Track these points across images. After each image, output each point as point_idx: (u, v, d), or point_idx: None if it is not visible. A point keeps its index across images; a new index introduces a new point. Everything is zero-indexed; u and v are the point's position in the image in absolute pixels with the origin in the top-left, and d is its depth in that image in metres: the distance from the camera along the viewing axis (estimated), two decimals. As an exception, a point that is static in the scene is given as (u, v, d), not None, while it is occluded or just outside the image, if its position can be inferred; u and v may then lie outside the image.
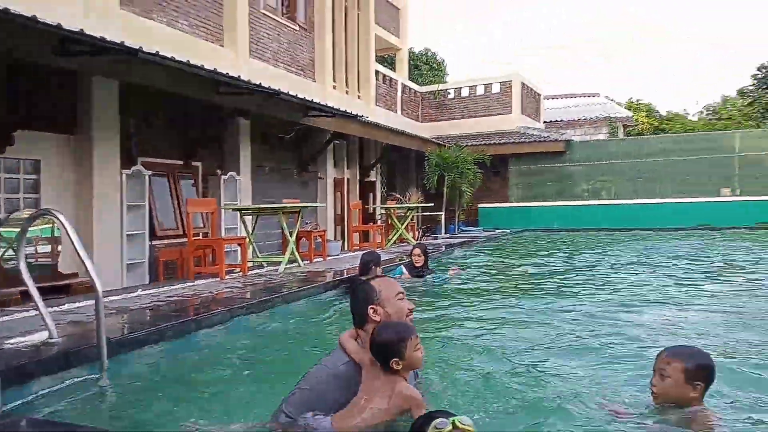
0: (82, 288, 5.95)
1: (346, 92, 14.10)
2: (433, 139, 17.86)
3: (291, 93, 8.83)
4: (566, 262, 10.01)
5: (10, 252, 5.22)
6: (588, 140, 20.72)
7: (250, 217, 8.82)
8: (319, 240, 9.86)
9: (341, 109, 10.57)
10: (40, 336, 3.67)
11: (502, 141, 18.71)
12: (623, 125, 23.19)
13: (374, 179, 15.51)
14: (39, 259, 6.13)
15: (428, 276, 7.32)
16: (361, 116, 11.85)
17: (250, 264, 8.07)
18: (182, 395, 3.26)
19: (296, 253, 8.34)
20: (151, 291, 6.17)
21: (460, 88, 20.66)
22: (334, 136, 12.33)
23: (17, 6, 4.82)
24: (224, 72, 7.31)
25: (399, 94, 18.21)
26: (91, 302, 3.52)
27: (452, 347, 4.03)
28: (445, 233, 16.07)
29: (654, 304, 5.66)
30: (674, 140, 19.19)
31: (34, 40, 5.50)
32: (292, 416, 2.30)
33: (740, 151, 17.77)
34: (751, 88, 24.84)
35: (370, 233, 12.72)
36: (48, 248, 6.25)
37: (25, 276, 3.67)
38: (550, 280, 7.81)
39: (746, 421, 2.51)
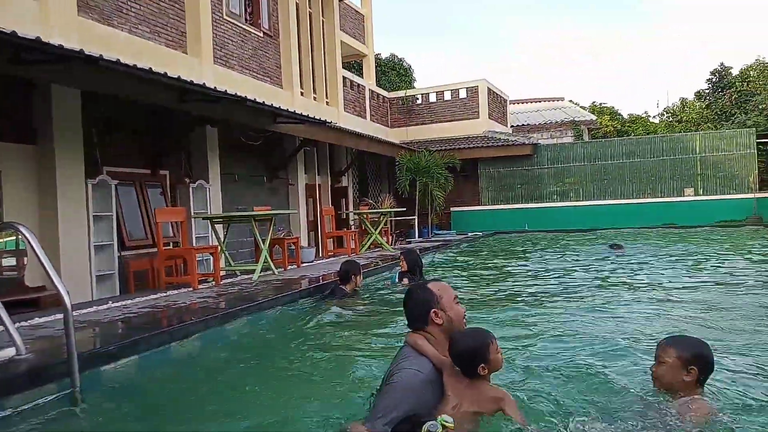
0: (51, 301, 5.72)
1: (314, 99, 14.02)
2: (403, 145, 17.92)
3: (258, 100, 8.72)
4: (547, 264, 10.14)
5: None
6: (554, 143, 21.06)
7: (222, 225, 8.66)
8: (293, 247, 9.75)
9: (310, 115, 10.49)
10: (7, 352, 3.50)
11: (471, 145, 18.89)
12: (588, 128, 23.67)
13: (346, 185, 15.44)
14: (4, 273, 5.88)
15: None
16: (329, 122, 11.79)
17: (223, 273, 7.91)
18: (156, 410, 3.15)
19: (270, 261, 8.22)
20: (122, 303, 5.98)
21: (428, 93, 20.79)
22: (304, 143, 12.24)
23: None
24: (188, 79, 7.16)
25: (367, 100, 18.22)
26: (61, 316, 3.38)
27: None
28: (419, 237, 16.09)
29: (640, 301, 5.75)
30: (637, 142, 19.67)
31: (-13, 48, 5.29)
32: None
33: (700, 152, 18.32)
34: (707, 91, 25.67)
35: (344, 239, 12.64)
36: (13, 261, 6.00)
37: (-11, 290, 3.50)
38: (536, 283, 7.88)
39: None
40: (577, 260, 10.24)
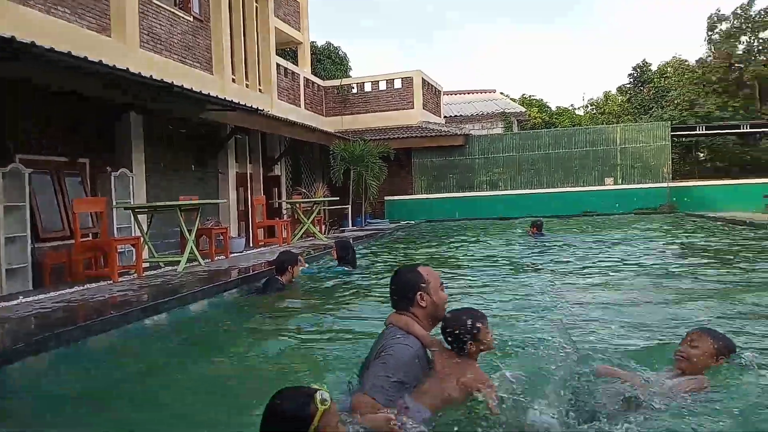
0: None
1: (247, 86, 13.76)
2: (338, 134, 17.89)
3: (186, 86, 8.48)
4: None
5: None
6: (486, 134, 21.62)
7: (145, 216, 8.40)
8: (221, 237, 9.59)
9: (241, 102, 10.30)
10: None
11: (406, 135, 19.11)
12: (517, 120, 24.43)
13: (279, 174, 15.29)
14: None
15: (357, 271, 7.47)
16: (262, 110, 11.62)
17: (146, 265, 7.70)
18: (69, 412, 3.07)
19: (196, 252, 8.06)
20: (36, 297, 5.73)
21: (363, 83, 20.83)
22: (235, 131, 12.01)
23: None
24: (112, 65, 6.88)
25: (302, 88, 18.05)
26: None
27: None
28: (353, 226, 16.18)
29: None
30: (563, 133, 20.50)
31: None
32: (388, 395, 2.31)
33: (621, 143, 19.31)
34: (628, 86, 27.00)
35: (275, 228, 12.54)
36: None
37: None
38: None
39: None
40: (495, 245, 10.62)
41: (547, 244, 10.62)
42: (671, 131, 19.33)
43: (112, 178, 8.67)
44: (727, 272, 6.70)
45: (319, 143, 16.57)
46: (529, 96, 28.27)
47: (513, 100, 27.13)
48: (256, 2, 14.48)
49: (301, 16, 18.97)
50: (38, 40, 5.82)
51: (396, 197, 19.49)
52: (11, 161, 7.08)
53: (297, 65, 18.64)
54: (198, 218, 8.39)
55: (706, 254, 8.49)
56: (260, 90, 14.40)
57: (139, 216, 8.21)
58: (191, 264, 7.91)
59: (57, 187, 8.00)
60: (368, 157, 16.61)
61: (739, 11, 20.67)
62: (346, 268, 7.32)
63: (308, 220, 12.36)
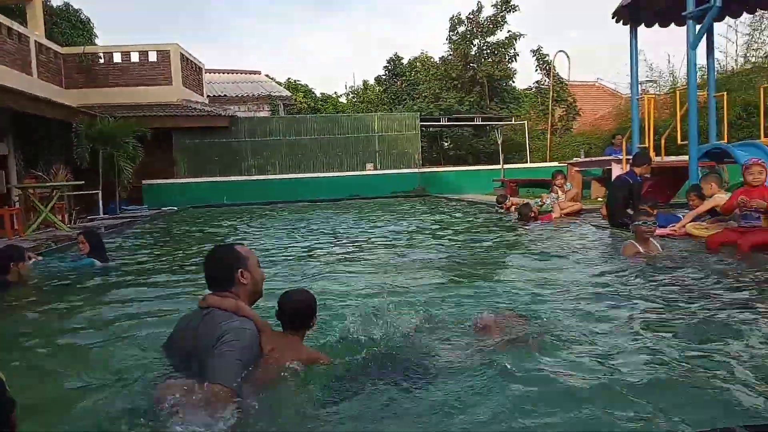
0: None
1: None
2: (83, 109, 15.73)
3: None
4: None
5: None
6: (252, 117, 21.25)
7: None
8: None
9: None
10: None
11: (165, 113, 17.72)
12: (283, 104, 24.51)
13: (5, 153, 12.86)
14: None
15: (111, 263, 6.63)
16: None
17: None
18: None
19: None
20: None
21: (112, 53, 18.69)
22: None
23: None
24: None
25: (33, 53, 15.41)
26: None
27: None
28: (105, 214, 14.44)
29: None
30: (327, 119, 21.23)
31: None
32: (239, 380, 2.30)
33: (378, 131, 20.74)
34: (384, 77, 29.06)
35: (3, 219, 10.53)
36: None
37: None
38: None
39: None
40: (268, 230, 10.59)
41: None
42: (420, 121, 21.43)
43: None
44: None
45: (59, 119, 14.35)
46: (295, 81, 28.57)
47: (278, 83, 27.09)
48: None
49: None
50: None
51: (156, 181, 18.00)
52: None
53: (26, 26, 15.84)
54: None
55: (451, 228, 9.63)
56: (-26, 51, 11.89)
57: None
58: None
59: None
60: (120, 137, 14.95)
61: (471, 16, 23.70)
62: (96, 261, 6.49)
63: (47, 207, 10.68)
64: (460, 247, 7.52)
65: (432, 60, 27.02)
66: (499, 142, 19.55)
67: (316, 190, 19.01)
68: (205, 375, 2.31)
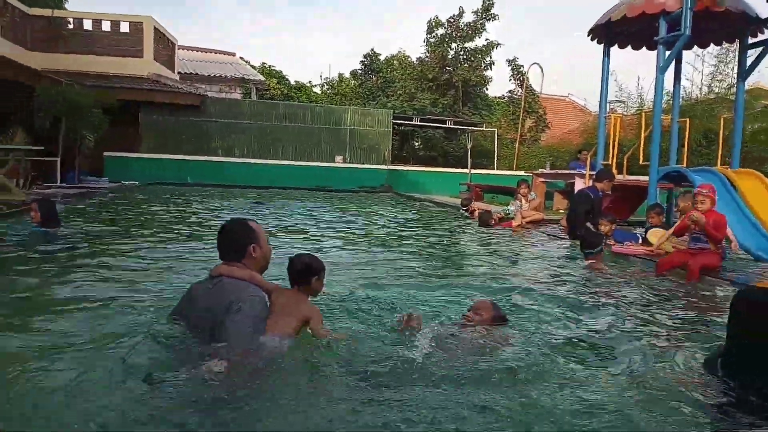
0: None
1: None
2: (47, 73, 15.18)
3: None
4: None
5: None
6: (224, 98, 20.91)
7: None
8: None
9: None
10: None
11: (133, 86, 17.26)
12: (256, 88, 24.19)
13: (-41, 112, 12.32)
14: None
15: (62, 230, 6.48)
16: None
17: None
18: None
19: None
20: None
21: (82, 19, 18.08)
22: None
23: None
24: None
25: (-2, 10, 14.80)
26: None
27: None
28: (62, 182, 13.98)
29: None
30: (300, 108, 21.06)
31: None
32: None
33: (350, 125, 20.70)
34: (360, 71, 29.00)
35: (-49, 179, 10.10)
36: None
37: None
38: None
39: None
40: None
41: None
42: (393, 119, 21.48)
43: None
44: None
45: (21, 81, 13.79)
46: (269, 66, 28.20)
47: (253, 67, 26.71)
48: None
49: None
50: None
51: (118, 154, 17.53)
52: None
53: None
54: None
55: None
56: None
57: None
58: None
59: None
60: (85, 106, 14.48)
61: (451, 20, 23.88)
62: (49, 230, 6.30)
63: (0, 171, 10.30)
64: (420, 244, 7.60)
65: (409, 59, 27.11)
66: (469, 146, 19.75)
67: (283, 178, 18.84)
68: (220, 337, 2.55)
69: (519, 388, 2.50)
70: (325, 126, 20.47)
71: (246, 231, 2.92)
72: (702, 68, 18.55)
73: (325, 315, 3.12)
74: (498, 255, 6.93)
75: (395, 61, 27.87)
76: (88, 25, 18.04)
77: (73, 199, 11.10)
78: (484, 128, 23.47)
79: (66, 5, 21.72)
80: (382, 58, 28.66)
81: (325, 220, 10.25)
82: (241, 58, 27.09)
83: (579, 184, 11.05)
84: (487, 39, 23.95)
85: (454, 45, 24.28)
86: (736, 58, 11.27)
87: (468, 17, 23.79)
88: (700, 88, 18.77)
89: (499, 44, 23.97)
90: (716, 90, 17.76)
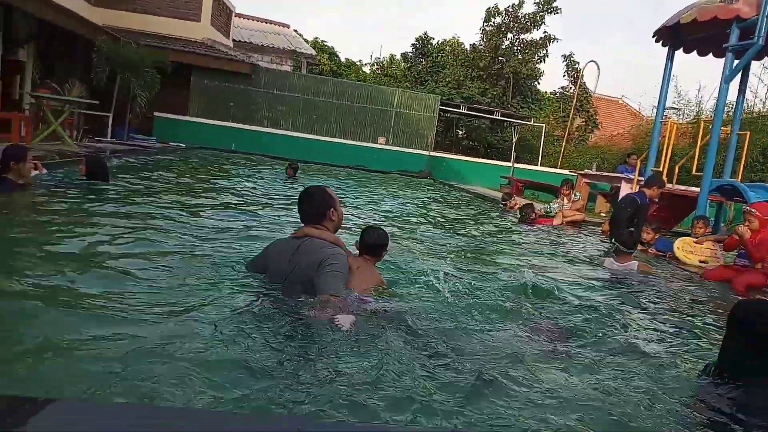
0: None
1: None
2: (107, 29, 15.53)
3: None
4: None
5: None
6: (274, 69, 21.04)
7: None
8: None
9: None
10: None
11: (188, 49, 17.52)
12: (307, 62, 24.27)
13: (24, 59, 12.74)
14: None
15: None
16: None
17: None
18: None
19: None
20: None
21: (146, -23, 18.38)
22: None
23: None
24: None
25: (67, -37, 15.13)
26: None
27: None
28: (112, 138, 14.38)
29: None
30: (348, 86, 21.03)
31: None
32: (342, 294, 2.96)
33: (396, 107, 20.59)
34: (410, 54, 28.76)
35: (11, 123, 10.48)
36: None
37: None
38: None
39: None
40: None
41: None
42: (440, 105, 21.27)
43: None
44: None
45: (82, 34, 14.17)
46: (322, 41, 28.23)
47: (306, 41, 26.78)
48: None
49: None
50: None
51: (168, 115, 17.89)
52: None
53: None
54: None
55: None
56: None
57: None
58: None
59: None
60: (140, 64, 14.78)
61: (510, 9, 23.41)
62: (95, 183, 6.47)
63: (57, 121, 10.64)
64: (457, 233, 7.56)
65: (462, 46, 26.73)
66: (514, 140, 19.47)
67: (324, 154, 18.93)
68: (315, 287, 2.95)
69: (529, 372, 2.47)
70: (371, 106, 20.41)
71: (326, 196, 3.29)
72: (768, 81, 17.73)
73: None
74: (535, 248, 6.83)
75: (447, 47, 27.52)
76: (150, -16, 18.33)
77: (122, 155, 11.41)
78: (531, 123, 23.02)
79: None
80: (434, 42, 28.33)
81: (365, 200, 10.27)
82: (295, 30, 27.18)
83: (625, 189, 10.78)
84: (545, 32, 23.42)
85: (510, 35, 23.81)
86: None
87: (528, 8, 23.28)
88: (764, 102, 17.97)
89: (555, 38, 23.41)
90: (781, 105, 16.95)
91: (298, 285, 3.01)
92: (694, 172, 9.89)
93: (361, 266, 3.32)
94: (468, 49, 25.78)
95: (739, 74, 9.34)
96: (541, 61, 24.11)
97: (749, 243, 5.70)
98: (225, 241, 4.54)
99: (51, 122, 10.59)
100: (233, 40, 21.86)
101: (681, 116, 18.72)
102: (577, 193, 10.71)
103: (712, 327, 4.02)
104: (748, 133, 10.03)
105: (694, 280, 6.04)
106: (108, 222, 4.70)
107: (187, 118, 18.42)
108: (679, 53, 10.35)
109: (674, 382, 2.66)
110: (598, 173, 14.30)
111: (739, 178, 9.84)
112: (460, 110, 22.29)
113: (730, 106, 11.80)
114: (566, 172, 17.39)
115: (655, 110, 11.26)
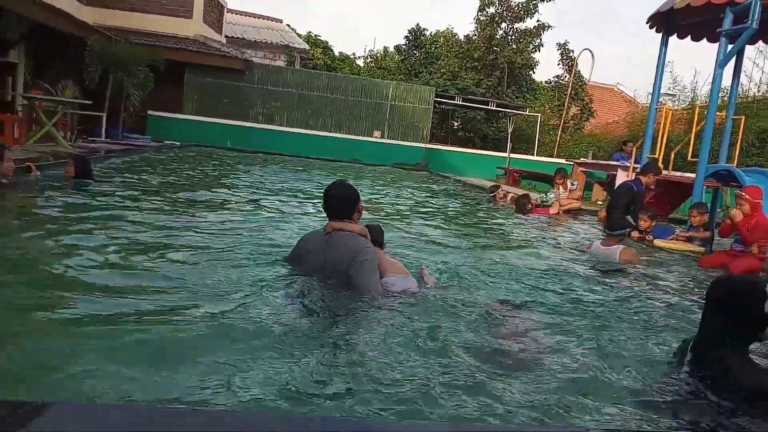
0: None
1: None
2: (99, 28, 15.44)
3: None
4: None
5: None
6: (268, 64, 20.97)
7: None
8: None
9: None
10: None
11: (180, 46, 17.44)
12: (300, 57, 24.18)
13: (15, 61, 12.66)
14: None
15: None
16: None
17: None
18: None
19: None
20: None
21: (136, -25, 18.27)
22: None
23: None
24: None
25: (56, -38, 15.01)
26: None
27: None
28: (106, 137, 14.33)
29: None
30: (342, 80, 20.97)
31: None
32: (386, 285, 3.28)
33: (391, 100, 20.55)
34: (404, 47, 28.66)
35: (5, 125, 10.44)
36: None
37: None
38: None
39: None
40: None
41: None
42: (435, 97, 21.22)
43: None
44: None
45: (74, 34, 14.08)
46: (315, 35, 28.11)
47: (299, 35, 26.67)
48: None
49: None
50: None
51: (162, 113, 17.82)
52: None
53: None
54: None
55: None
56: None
57: None
58: None
59: None
60: (133, 63, 14.71)
61: (503, -1, 23.29)
62: (82, 182, 6.53)
63: (50, 122, 10.60)
64: (453, 223, 7.57)
65: (456, 37, 26.64)
66: (510, 130, 19.46)
67: (319, 149, 18.90)
68: (351, 279, 3.18)
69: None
70: (365, 99, 20.36)
71: (353, 193, 3.46)
72: (763, 65, 17.75)
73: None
74: (530, 238, 6.85)
75: (441, 38, 27.43)
76: (140, -18, 18.21)
77: (116, 155, 11.37)
78: (527, 112, 22.98)
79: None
80: (428, 33, 28.23)
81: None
82: (288, 25, 27.07)
83: (621, 177, 10.80)
84: (538, 20, 23.35)
85: (503, 25, 23.74)
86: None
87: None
88: (758, 86, 17.97)
89: (549, 26, 23.35)
90: (776, 89, 16.95)
91: (332, 276, 3.25)
92: (689, 158, 9.90)
93: (383, 257, 3.52)
94: (462, 40, 25.69)
95: (734, 59, 9.33)
96: (535, 50, 24.06)
97: (742, 227, 5.72)
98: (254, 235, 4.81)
99: (44, 123, 10.55)
100: (226, 36, 21.78)
101: (676, 102, 18.73)
102: (575, 182, 10.73)
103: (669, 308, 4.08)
104: (743, 117, 10.02)
105: (683, 265, 6.05)
106: (108, 222, 4.70)
107: (181, 116, 18.36)
108: (674, 39, 10.34)
109: (644, 365, 2.70)
110: (593, 162, 14.33)
111: (735, 163, 9.86)
112: (455, 102, 22.24)
113: (725, 91, 11.79)
114: (562, 161, 17.40)
115: (650, 97, 11.23)
